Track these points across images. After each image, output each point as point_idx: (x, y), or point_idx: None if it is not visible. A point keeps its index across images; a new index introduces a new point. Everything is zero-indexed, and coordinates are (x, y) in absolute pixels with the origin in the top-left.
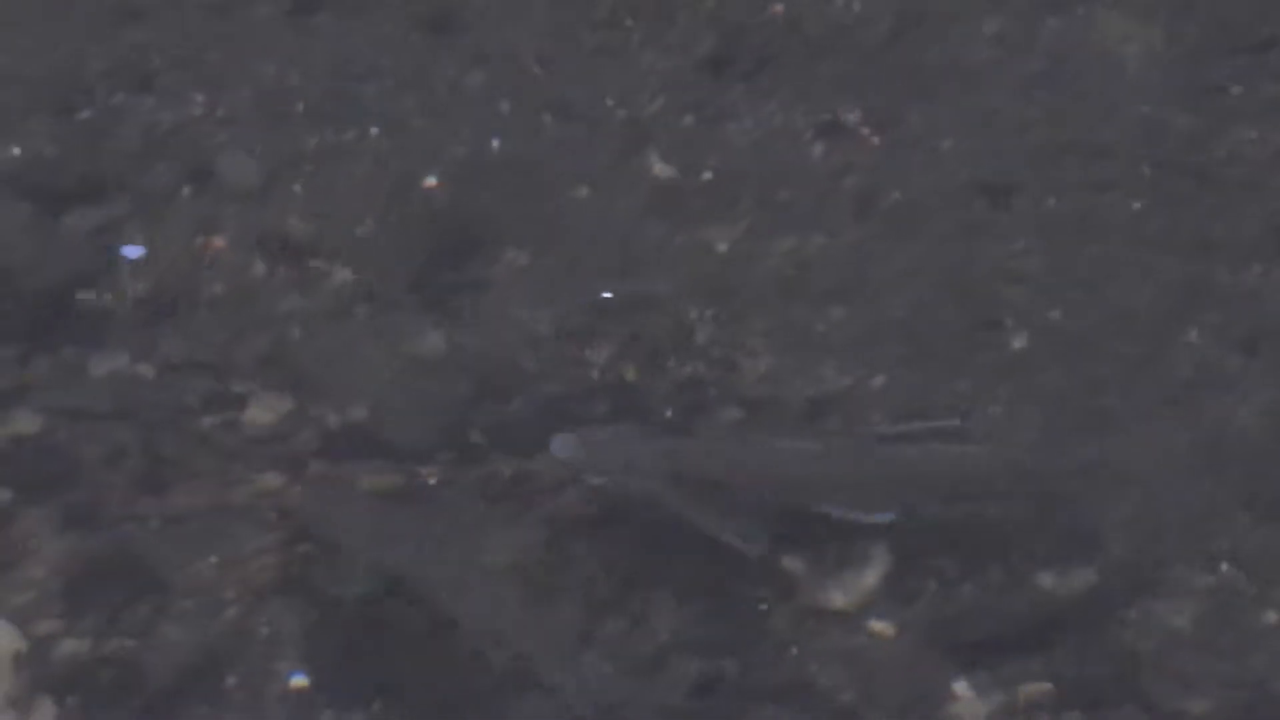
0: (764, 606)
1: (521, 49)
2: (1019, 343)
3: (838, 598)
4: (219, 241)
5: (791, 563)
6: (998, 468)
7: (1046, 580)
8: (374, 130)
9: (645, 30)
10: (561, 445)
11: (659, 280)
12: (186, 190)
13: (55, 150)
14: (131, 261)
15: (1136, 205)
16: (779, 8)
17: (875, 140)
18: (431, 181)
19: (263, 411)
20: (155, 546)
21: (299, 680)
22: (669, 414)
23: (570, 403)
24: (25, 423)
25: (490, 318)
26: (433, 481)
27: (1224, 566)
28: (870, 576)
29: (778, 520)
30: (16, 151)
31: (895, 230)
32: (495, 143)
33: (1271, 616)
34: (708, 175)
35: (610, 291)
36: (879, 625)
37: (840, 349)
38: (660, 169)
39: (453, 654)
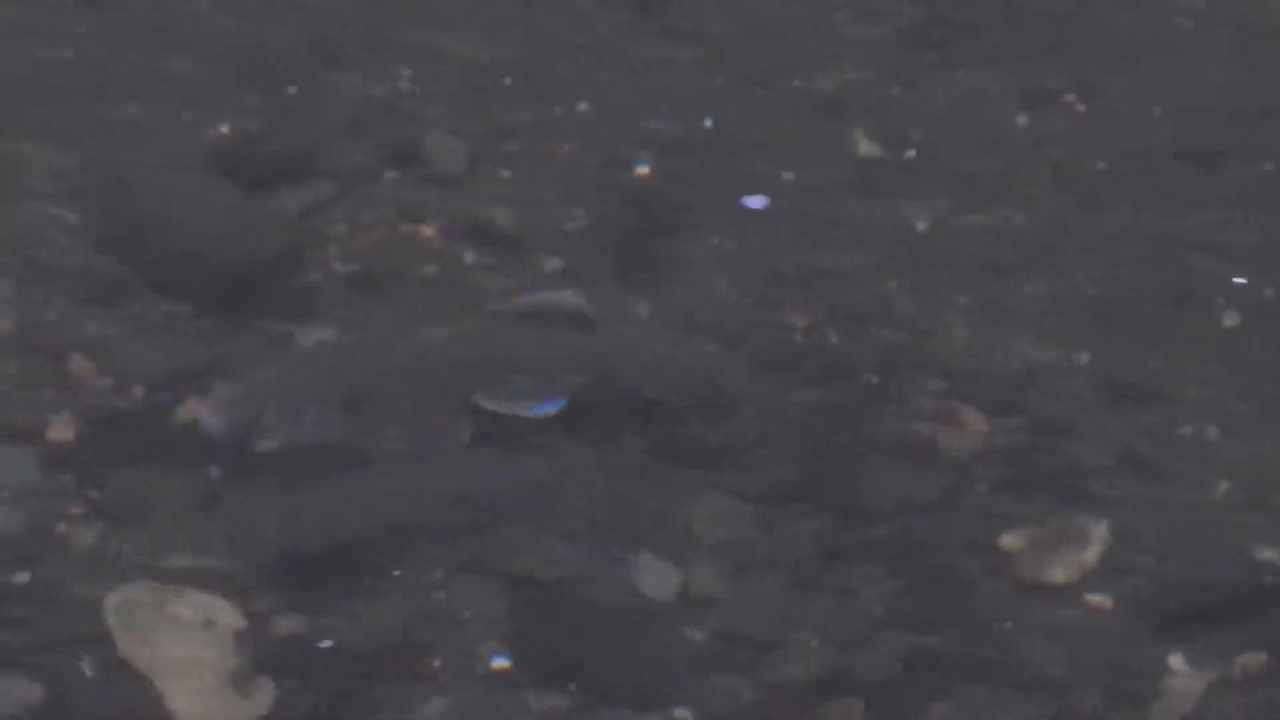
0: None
1: (731, 24)
2: (1229, 320)
3: (1057, 573)
4: (427, 230)
5: (1010, 540)
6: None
7: (1266, 554)
8: (581, 106)
9: (849, 2)
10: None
11: (858, 254)
12: (392, 173)
13: (262, 127)
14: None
15: None
16: None
17: (1081, 108)
18: (643, 170)
19: None
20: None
21: (500, 662)
22: (873, 379)
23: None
24: (228, 393)
25: (693, 289)
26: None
27: None
28: (1090, 552)
29: None
30: (225, 129)
31: (1097, 200)
32: (707, 122)
33: None
34: (910, 153)
35: (810, 265)
36: (1095, 599)
37: (1040, 323)
38: (866, 146)
39: (649, 633)
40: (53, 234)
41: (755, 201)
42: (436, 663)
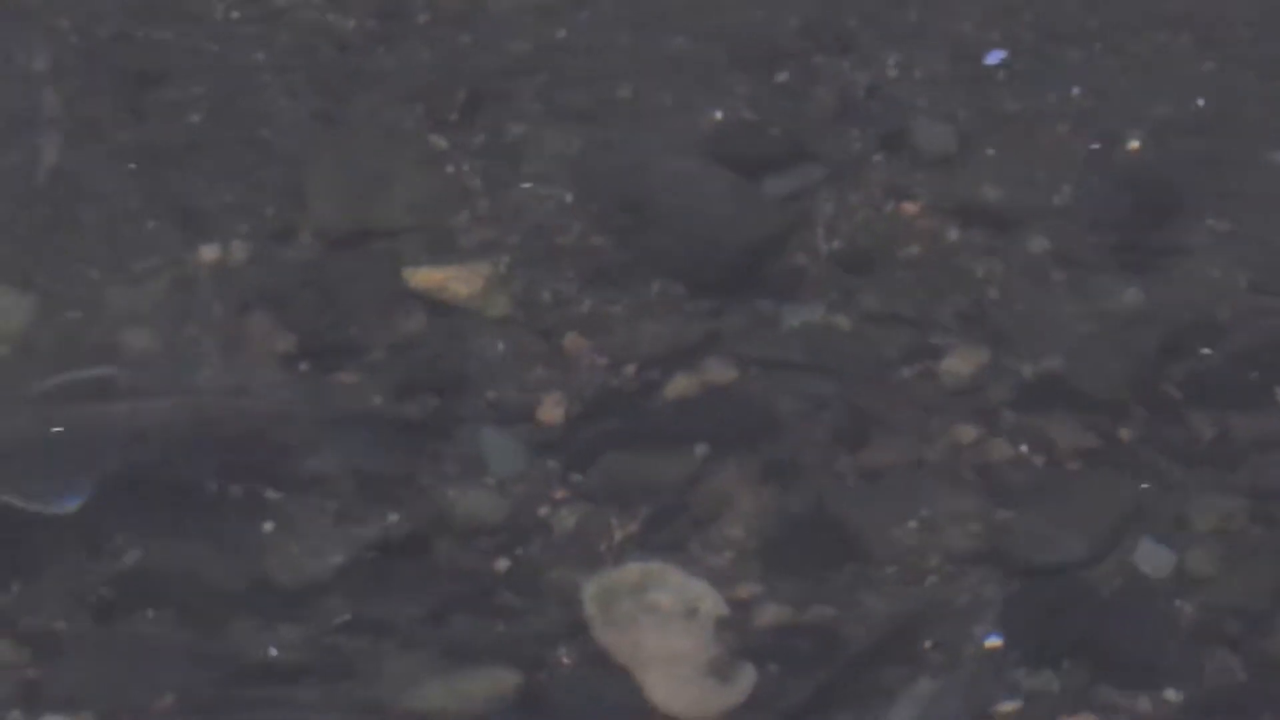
0: None
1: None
2: None
3: None
4: (912, 208)
5: None
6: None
7: None
8: (1075, 91)
9: None
10: None
11: None
12: (878, 157)
13: (753, 114)
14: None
15: None
16: None
17: None
18: (1134, 145)
19: (962, 364)
20: (854, 505)
21: (993, 641)
22: None
23: (1265, 353)
24: (719, 372)
25: (1186, 275)
26: (1127, 439)
27: None
28: None
29: None
30: (718, 115)
31: None
32: (1199, 102)
33: None
34: None
35: None
36: None
37: None
38: None
39: (1145, 613)
40: (551, 214)
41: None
42: (927, 644)
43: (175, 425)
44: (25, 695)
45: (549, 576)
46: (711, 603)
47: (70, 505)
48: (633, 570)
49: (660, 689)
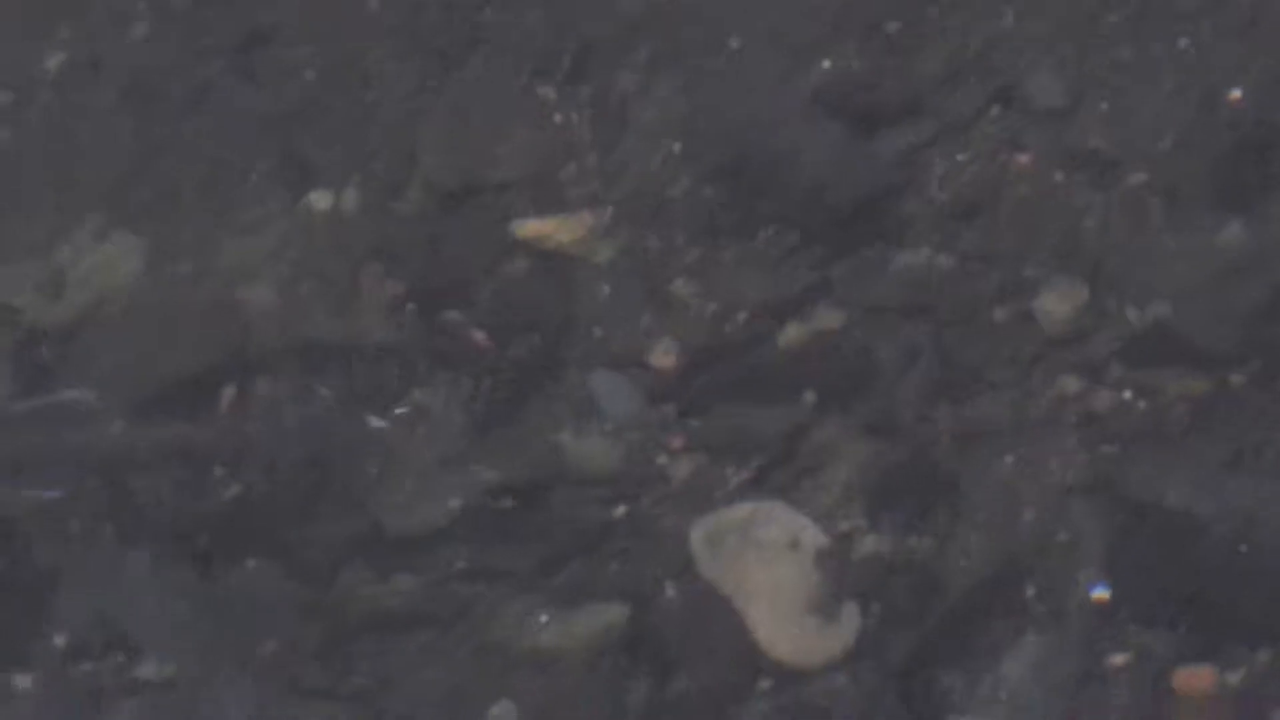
0: None
1: None
2: None
3: None
4: (1023, 158)
5: None
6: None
7: None
8: (1182, 43)
9: None
10: None
11: None
12: (991, 110)
13: (864, 64)
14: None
15: None
16: None
17: None
18: (1235, 95)
19: (1059, 302)
20: (954, 451)
21: (1100, 593)
22: None
23: None
24: (827, 319)
25: None
26: (1241, 385)
27: None
28: None
29: None
30: (826, 64)
31: None
32: None
33: None
34: None
35: None
36: None
37: None
38: None
39: (1260, 562)
40: (659, 166)
41: None
42: (1030, 593)
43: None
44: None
45: (663, 524)
46: (814, 535)
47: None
48: (741, 509)
49: (763, 626)
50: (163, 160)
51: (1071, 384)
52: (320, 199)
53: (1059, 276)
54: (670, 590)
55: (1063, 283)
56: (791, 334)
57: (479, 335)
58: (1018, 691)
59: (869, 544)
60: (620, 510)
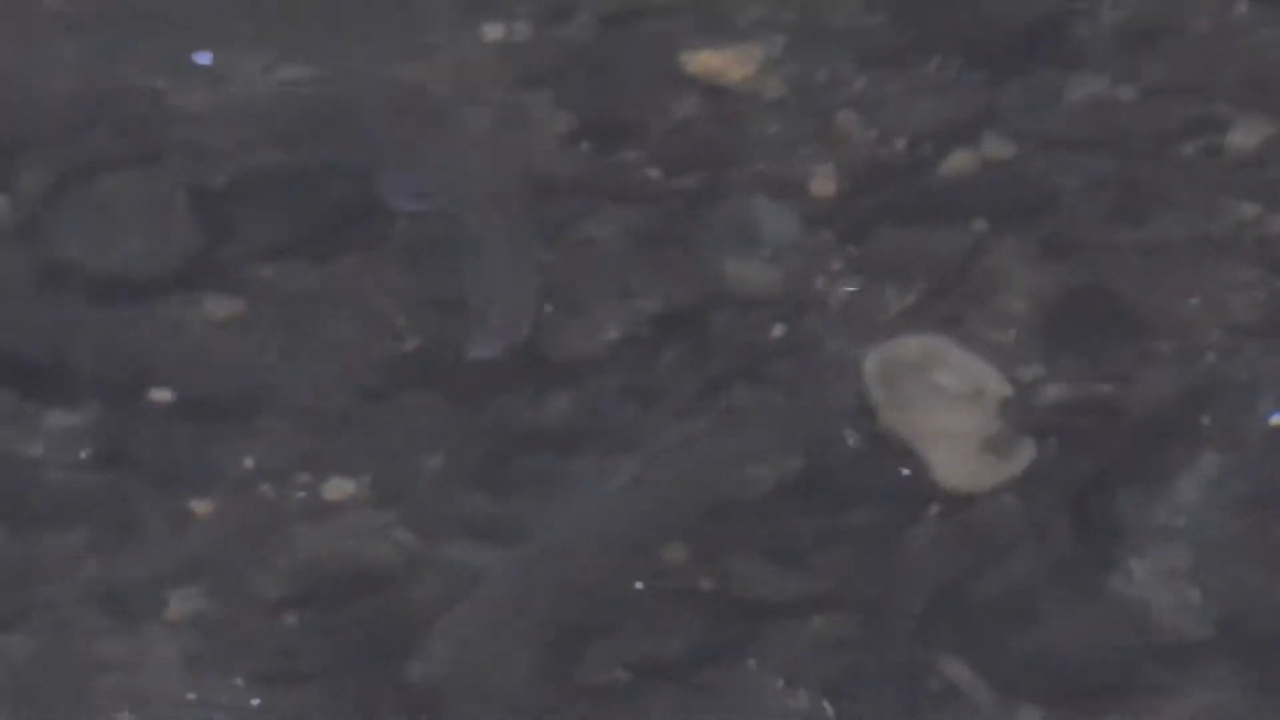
0: None
1: None
2: None
3: None
4: None
5: None
6: None
7: None
8: None
9: None
10: None
11: None
12: None
13: None
14: None
15: None
16: None
17: None
18: None
19: (1245, 135)
20: (1133, 281)
21: (1277, 419)
22: None
23: None
24: (997, 147)
25: None
26: None
27: None
28: None
29: None
30: None
31: None
32: None
33: None
34: None
35: None
36: None
37: None
38: None
39: None
40: None
41: None
42: (1206, 420)
43: None
44: (308, 461)
45: (826, 348)
46: (996, 384)
47: None
48: (912, 345)
49: (942, 467)
50: None
51: (1250, 210)
52: (492, 29)
53: (1246, 113)
54: (849, 436)
55: (1250, 119)
56: (957, 161)
57: (650, 170)
58: (1192, 512)
59: (1049, 389)
60: (780, 330)
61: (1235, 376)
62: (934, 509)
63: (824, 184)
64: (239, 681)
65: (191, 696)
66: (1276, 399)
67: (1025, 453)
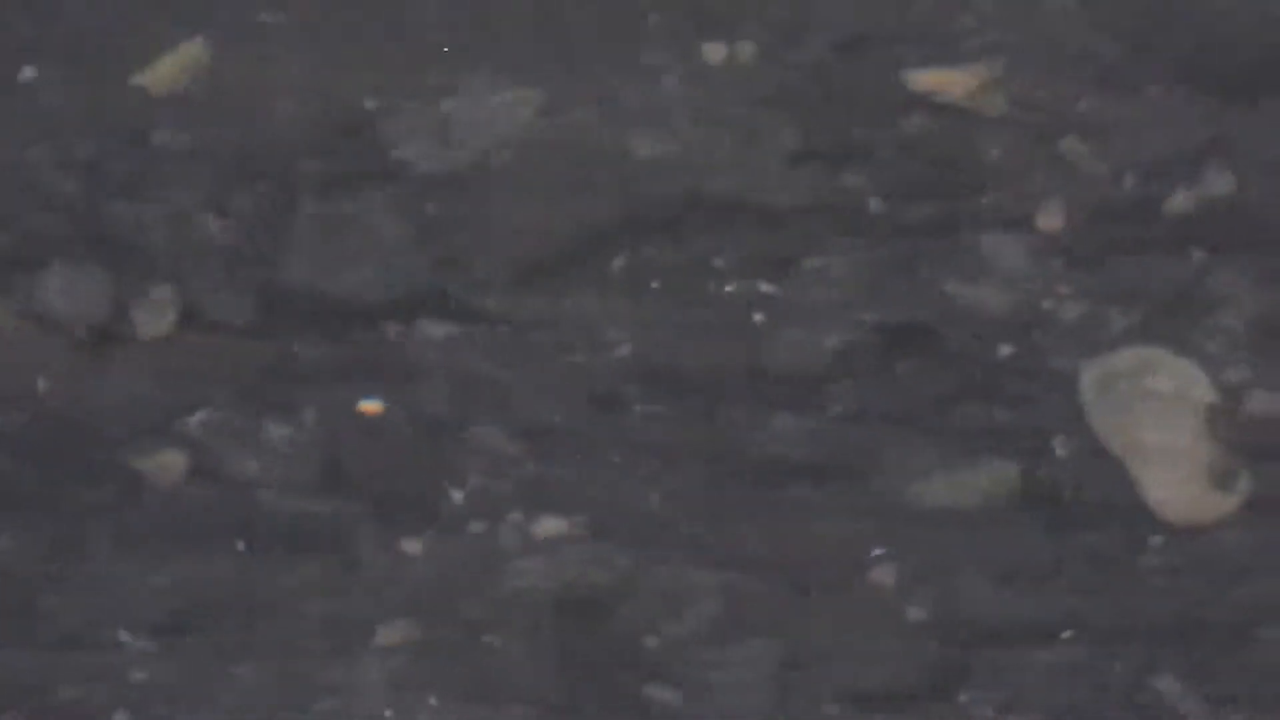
0: None
1: None
2: None
3: None
4: None
5: None
6: None
7: None
8: None
9: None
10: None
11: None
12: None
13: None
14: None
15: None
16: None
17: None
18: None
19: None
20: None
21: None
22: None
23: None
24: (1221, 181)
25: None
26: None
27: None
28: None
29: None
30: None
31: None
32: None
33: None
34: None
35: None
36: None
37: None
38: None
39: None
40: (1055, 16)
41: None
42: None
43: None
44: (523, 495)
45: (1051, 365)
46: (1204, 388)
47: None
48: (1130, 355)
49: (1157, 488)
50: (557, 7)
51: None
52: (714, 50)
53: None
54: (1059, 445)
55: None
56: (1181, 198)
57: (875, 201)
58: None
59: (1258, 400)
60: (1007, 349)
61: None
62: (1156, 539)
63: (1051, 219)
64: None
65: None
66: None
67: (1243, 484)
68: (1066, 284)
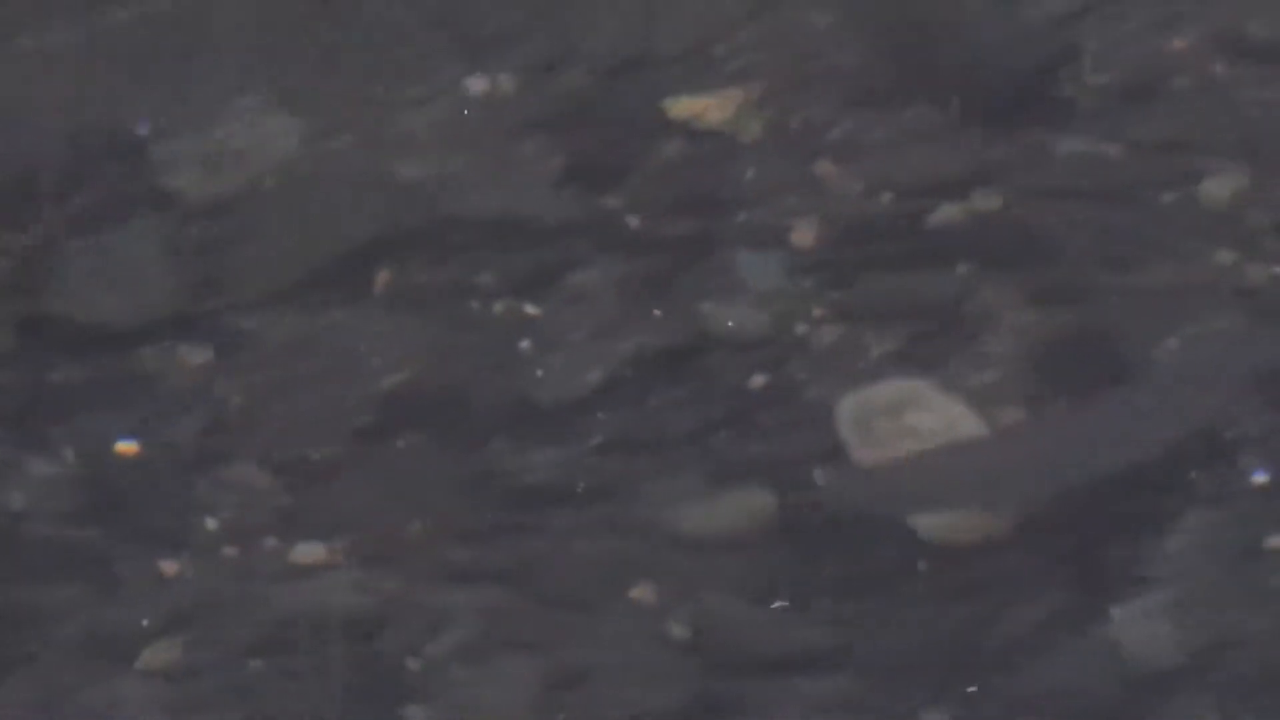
0: None
1: None
2: None
3: None
4: (1180, 43)
5: None
6: None
7: None
8: None
9: None
10: None
11: None
12: None
13: None
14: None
15: None
16: None
17: None
18: None
19: (1219, 186)
20: (1118, 324)
21: (1260, 478)
22: None
23: None
24: (985, 200)
25: None
26: None
27: None
28: None
29: None
30: None
31: None
32: None
33: None
34: None
35: None
36: None
37: None
38: None
39: None
40: (808, 38)
41: None
42: (1192, 475)
43: None
44: (279, 523)
45: (807, 394)
46: (972, 426)
47: None
48: (888, 388)
49: (925, 517)
50: (322, 34)
51: (1226, 257)
52: (476, 82)
53: (1227, 166)
54: (819, 475)
55: (1230, 172)
56: (944, 214)
57: (634, 219)
58: (1181, 566)
59: (1027, 435)
60: (760, 379)
61: (1218, 432)
62: (922, 564)
63: (804, 234)
64: None
65: None
66: (1259, 457)
67: (1010, 502)
68: (822, 304)
